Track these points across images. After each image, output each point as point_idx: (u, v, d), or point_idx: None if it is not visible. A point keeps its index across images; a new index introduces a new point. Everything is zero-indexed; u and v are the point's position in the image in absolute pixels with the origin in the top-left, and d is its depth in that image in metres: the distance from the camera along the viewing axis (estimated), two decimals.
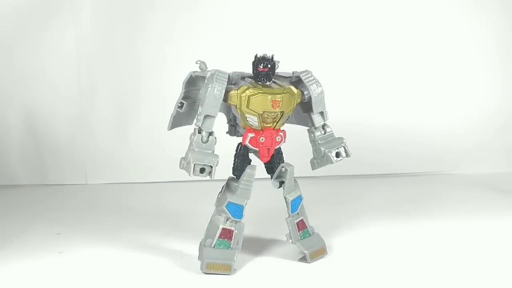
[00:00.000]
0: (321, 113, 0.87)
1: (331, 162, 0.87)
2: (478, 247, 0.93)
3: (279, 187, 0.87)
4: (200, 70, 0.83)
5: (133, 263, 0.87)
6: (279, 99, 0.81)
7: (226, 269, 0.82)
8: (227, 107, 0.89)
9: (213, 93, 0.80)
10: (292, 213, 0.87)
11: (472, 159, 1.55)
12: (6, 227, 1.07)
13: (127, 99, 1.47)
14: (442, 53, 1.53)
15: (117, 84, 1.46)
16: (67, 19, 1.41)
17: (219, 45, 1.43)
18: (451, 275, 0.81)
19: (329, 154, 0.86)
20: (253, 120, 0.83)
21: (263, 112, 0.82)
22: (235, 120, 0.88)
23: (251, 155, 0.87)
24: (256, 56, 0.83)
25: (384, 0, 1.51)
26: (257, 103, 0.81)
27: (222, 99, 0.80)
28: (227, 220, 0.83)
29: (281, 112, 0.83)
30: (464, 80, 1.55)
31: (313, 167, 0.90)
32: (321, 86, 0.86)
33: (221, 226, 0.83)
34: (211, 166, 0.79)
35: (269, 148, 0.85)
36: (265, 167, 0.88)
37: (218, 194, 0.87)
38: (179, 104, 0.86)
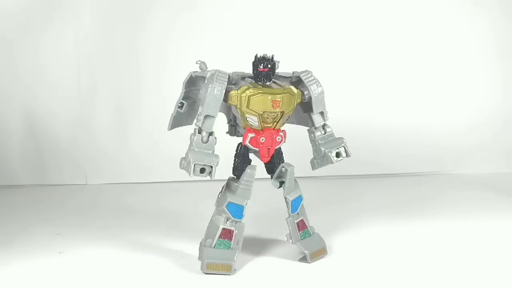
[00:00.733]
0: (321, 113, 0.87)
1: (331, 162, 0.87)
2: (478, 247, 0.93)
3: (279, 187, 0.87)
4: (200, 70, 0.83)
5: (133, 263, 0.87)
6: (279, 99, 0.81)
7: (227, 269, 0.82)
8: (227, 107, 0.89)
9: (213, 93, 0.80)
10: (292, 213, 0.87)
11: (472, 159, 1.55)
12: (6, 227, 1.07)
13: (127, 99, 1.47)
14: (442, 53, 1.53)
15: (117, 84, 1.46)
16: (67, 19, 1.41)
17: (219, 45, 1.43)
18: (452, 275, 0.81)
19: (329, 154, 0.86)
20: (253, 120, 0.83)
21: (263, 112, 0.82)
22: (235, 120, 0.88)
23: (251, 155, 0.87)
24: (256, 56, 0.83)
25: (384, 0, 1.51)
26: (257, 103, 0.81)
27: (222, 99, 0.80)
28: (227, 220, 0.83)
29: (281, 112, 0.83)
30: (464, 80, 1.56)
31: (313, 167, 0.90)
32: (321, 86, 0.86)
33: (221, 226, 0.83)
34: (211, 166, 0.79)
35: (269, 148, 0.85)
36: (265, 167, 0.88)
37: (218, 194, 0.87)
38: (179, 104, 0.86)
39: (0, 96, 1.43)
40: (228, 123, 0.91)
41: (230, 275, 0.82)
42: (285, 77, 0.88)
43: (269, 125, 0.84)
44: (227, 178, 0.87)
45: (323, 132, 0.88)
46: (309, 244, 0.88)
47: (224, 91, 0.80)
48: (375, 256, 0.90)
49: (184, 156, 0.81)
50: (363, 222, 1.07)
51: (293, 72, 0.88)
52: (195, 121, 0.82)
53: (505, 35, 1.55)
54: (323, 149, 0.87)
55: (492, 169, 1.54)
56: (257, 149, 0.85)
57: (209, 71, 0.82)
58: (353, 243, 0.96)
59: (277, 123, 0.84)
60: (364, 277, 0.81)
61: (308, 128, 0.90)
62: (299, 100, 0.85)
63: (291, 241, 0.88)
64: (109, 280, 0.81)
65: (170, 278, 0.81)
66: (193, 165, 0.78)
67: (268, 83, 0.83)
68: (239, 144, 0.86)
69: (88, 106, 1.45)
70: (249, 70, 0.84)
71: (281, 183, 0.87)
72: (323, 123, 0.88)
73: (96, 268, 0.85)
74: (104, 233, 1.02)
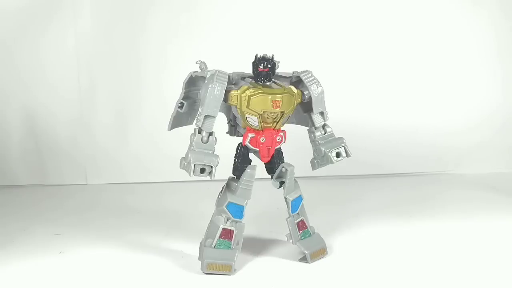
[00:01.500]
0: (321, 113, 0.87)
1: (331, 162, 0.87)
2: (478, 247, 0.93)
3: (279, 187, 0.87)
4: (200, 70, 0.83)
5: (133, 263, 0.87)
6: (279, 99, 0.81)
7: (227, 269, 0.82)
8: (227, 107, 0.89)
9: (213, 93, 0.80)
10: (292, 213, 0.87)
11: (472, 159, 1.55)
12: (6, 227, 1.07)
13: (127, 99, 1.47)
14: (442, 53, 1.53)
15: (117, 84, 1.46)
16: (67, 19, 1.41)
17: (220, 45, 1.43)
18: (451, 275, 0.81)
19: (329, 154, 0.86)
20: (253, 120, 0.83)
21: (263, 112, 0.82)
22: (235, 120, 0.88)
23: (251, 155, 0.87)
24: (256, 56, 0.83)
25: (384, 0, 1.51)
26: (257, 103, 0.81)
27: (222, 99, 0.80)
28: (227, 220, 0.83)
29: (281, 112, 0.83)
30: (464, 80, 1.56)
31: (313, 167, 0.90)
32: (321, 86, 0.86)
33: (221, 226, 0.83)
34: (211, 166, 0.79)
35: (269, 148, 0.85)
36: (265, 167, 0.88)
37: (219, 194, 0.87)
38: (179, 104, 0.86)
39: (0, 96, 1.43)
40: (228, 123, 0.91)
41: (230, 275, 0.82)
42: (285, 77, 0.88)
43: (269, 125, 0.84)
44: (227, 178, 0.87)
45: (323, 132, 0.88)
46: (309, 244, 0.88)
47: (224, 91, 0.80)
48: (375, 256, 0.90)
49: (184, 156, 0.81)
50: (363, 222, 1.07)
51: (293, 72, 0.88)
52: (195, 121, 0.82)
53: (505, 35, 1.55)
54: (323, 149, 0.87)
55: (492, 169, 1.54)
56: (257, 149, 0.85)
57: (209, 71, 0.82)
58: (353, 243, 0.96)
59: (277, 123, 0.84)
60: (364, 277, 0.81)
61: (308, 128, 0.90)
62: (299, 100, 0.85)
63: (291, 241, 0.88)
64: (109, 280, 0.81)
65: (170, 278, 0.81)
66: (193, 165, 0.78)
67: (268, 83, 0.83)
68: (239, 144, 0.86)
69: (88, 106, 1.45)
70: (249, 70, 0.84)
71: (281, 183, 0.87)
72: (323, 123, 0.88)
73: (96, 268, 0.85)
74: (104, 233, 1.02)
